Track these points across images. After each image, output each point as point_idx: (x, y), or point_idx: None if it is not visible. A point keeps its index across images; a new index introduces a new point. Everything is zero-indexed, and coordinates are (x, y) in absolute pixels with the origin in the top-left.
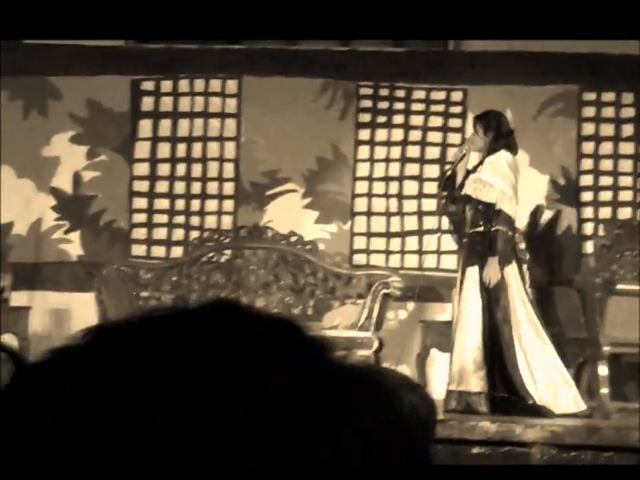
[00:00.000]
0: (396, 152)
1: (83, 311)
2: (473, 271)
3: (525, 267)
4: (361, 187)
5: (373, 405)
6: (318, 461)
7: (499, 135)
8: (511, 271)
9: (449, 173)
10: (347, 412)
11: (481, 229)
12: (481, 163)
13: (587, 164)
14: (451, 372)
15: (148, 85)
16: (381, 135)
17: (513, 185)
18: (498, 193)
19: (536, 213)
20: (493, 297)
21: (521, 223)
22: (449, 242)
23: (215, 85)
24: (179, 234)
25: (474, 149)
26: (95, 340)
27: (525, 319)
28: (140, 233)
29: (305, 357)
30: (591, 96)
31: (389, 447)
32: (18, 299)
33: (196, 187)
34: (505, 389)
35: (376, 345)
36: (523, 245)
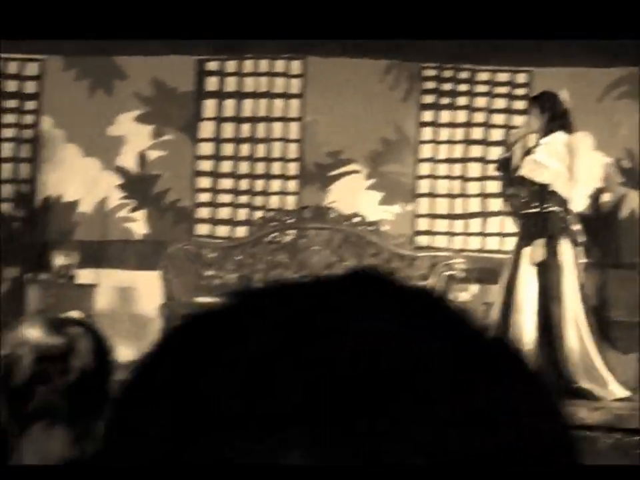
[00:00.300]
0: (459, 134)
1: (148, 289)
2: (527, 252)
3: (580, 248)
4: (424, 168)
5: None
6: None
7: (554, 116)
8: (565, 251)
9: (506, 155)
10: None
11: (535, 209)
12: (536, 144)
13: None
14: None
15: (213, 65)
16: (445, 116)
17: (568, 166)
18: (552, 173)
19: (598, 195)
20: (546, 278)
21: (581, 204)
22: (511, 224)
23: (280, 65)
24: (242, 214)
25: (530, 131)
26: (242, 298)
27: (575, 300)
28: (204, 213)
29: (447, 329)
30: None
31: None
32: (84, 276)
33: (260, 167)
34: (553, 371)
35: None
36: (578, 227)
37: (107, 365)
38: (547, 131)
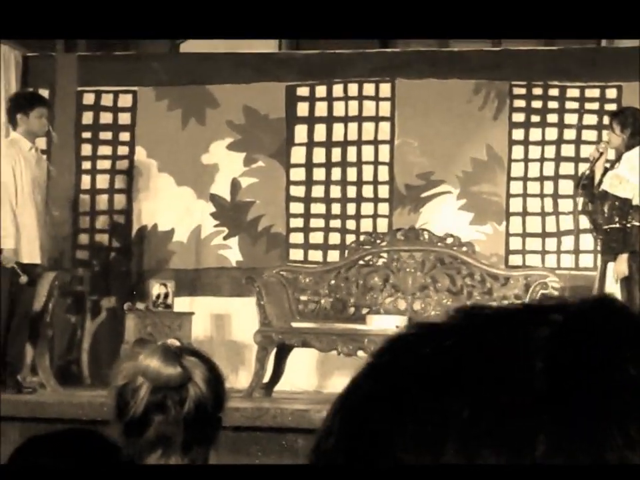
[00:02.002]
0: (550, 151)
1: (243, 315)
2: (610, 268)
3: None
4: (516, 187)
5: None
6: None
7: (635, 131)
8: None
9: (587, 172)
10: None
11: (617, 225)
12: (618, 159)
13: None
14: None
15: (303, 91)
16: (535, 134)
17: None
18: (634, 188)
19: None
20: (630, 293)
21: None
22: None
23: (369, 88)
24: (335, 238)
25: (611, 147)
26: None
27: None
28: (297, 238)
29: None
30: None
31: None
32: (180, 304)
33: (351, 191)
34: None
35: None
36: None
37: (220, 394)
38: (628, 146)
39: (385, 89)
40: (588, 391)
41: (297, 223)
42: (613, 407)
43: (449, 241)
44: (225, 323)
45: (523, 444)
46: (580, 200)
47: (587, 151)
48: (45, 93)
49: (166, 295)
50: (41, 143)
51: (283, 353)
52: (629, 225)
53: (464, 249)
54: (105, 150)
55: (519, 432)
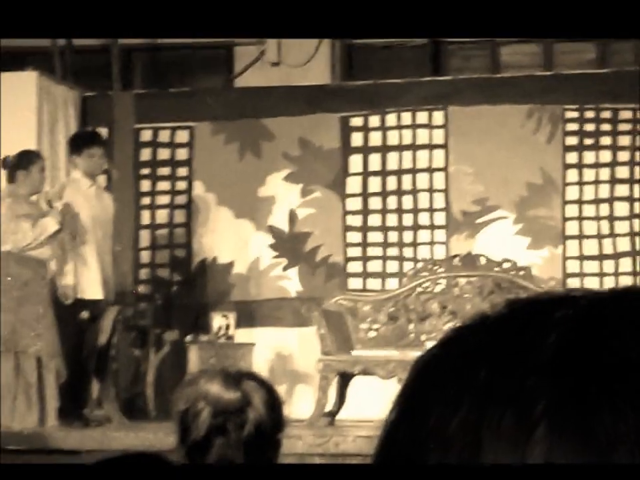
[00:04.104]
0: (605, 173)
1: (304, 345)
2: None
3: None
4: (571, 210)
5: None
6: None
7: None
8: None
9: None
10: None
11: None
12: None
13: None
14: None
15: (356, 121)
16: (589, 157)
17: None
18: None
19: None
20: None
21: None
22: None
23: (422, 117)
24: (393, 266)
25: None
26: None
27: None
28: (355, 267)
29: None
30: None
31: None
32: (242, 336)
33: (407, 219)
34: None
35: None
36: None
37: (279, 417)
38: None
39: (438, 117)
40: (589, 367)
41: (355, 252)
42: (609, 384)
43: (506, 265)
44: (286, 353)
45: (525, 401)
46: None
47: None
48: (103, 131)
49: (227, 327)
50: (101, 180)
51: (344, 381)
52: None
53: (521, 273)
54: (163, 185)
55: (523, 391)
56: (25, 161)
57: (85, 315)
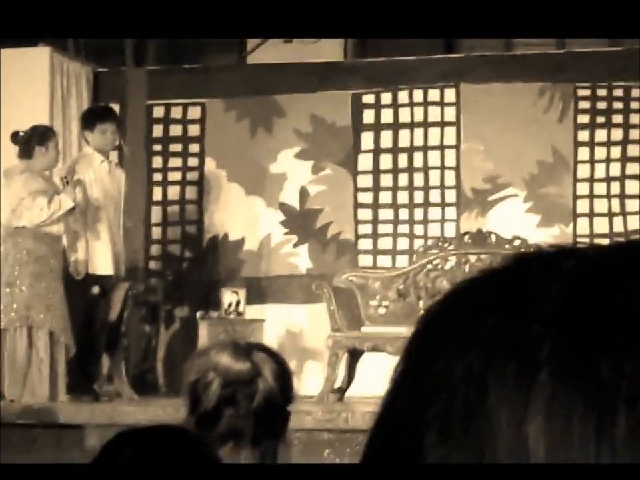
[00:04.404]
0: (616, 152)
1: (314, 322)
2: None
3: None
4: (582, 188)
5: None
6: None
7: None
8: None
9: None
10: None
11: None
12: None
13: None
14: None
15: (368, 98)
16: (601, 135)
17: None
18: None
19: None
20: None
21: None
22: None
23: (434, 94)
24: (403, 243)
25: None
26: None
27: None
28: (366, 244)
29: None
30: None
31: None
32: (252, 312)
33: (418, 196)
34: None
35: None
36: None
37: (289, 389)
38: None
39: (450, 94)
40: (593, 317)
41: (365, 229)
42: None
43: (516, 243)
44: (296, 329)
45: (529, 348)
46: None
47: None
48: (115, 107)
49: (238, 303)
50: (114, 156)
51: (354, 358)
52: None
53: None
54: (175, 162)
55: (527, 339)
56: (42, 137)
57: (95, 290)
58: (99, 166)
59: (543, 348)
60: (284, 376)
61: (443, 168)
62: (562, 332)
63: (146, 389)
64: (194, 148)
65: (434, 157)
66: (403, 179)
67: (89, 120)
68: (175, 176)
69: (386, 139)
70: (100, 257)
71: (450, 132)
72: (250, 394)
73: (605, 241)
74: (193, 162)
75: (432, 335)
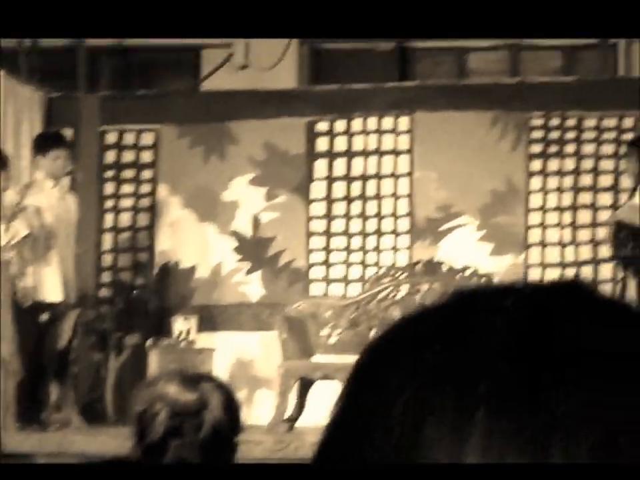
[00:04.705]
0: (568, 181)
1: (265, 350)
2: (629, 296)
3: None
4: (534, 217)
5: None
6: None
7: None
8: None
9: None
10: None
11: (633, 253)
12: (635, 188)
13: None
14: None
15: (322, 126)
16: (553, 165)
17: None
18: None
19: None
20: None
21: None
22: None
23: (388, 122)
24: (355, 271)
25: (628, 175)
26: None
27: None
28: (318, 272)
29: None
30: None
31: None
32: (203, 340)
33: (371, 225)
34: None
35: None
36: None
37: (237, 420)
38: None
39: (404, 123)
40: (534, 352)
41: (318, 257)
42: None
43: (468, 272)
44: (247, 358)
45: (467, 384)
46: (607, 229)
47: (604, 180)
48: (68, 133)
49: (188, 331)
50: (65, 182)
51: (305, 387)
52: None
53: (483, 280)
54: (127, 188)
55: (466, 373)
56: None
57: (44, 317)
58: (50, 192)
59: (480, 383)
60: (232, 407)
61: (396, 196)
62: (501, 368)
63: (95, 417)
64: (147, 174)
65: (387, 185)
66: (356, 207)
67: (41, 145)
68: (127, 202)
69: (339, 166)
70: (49, 283)
71: (403, 160)
72: (197, 425)
73: (556, 271)
74: (145, 188)
75: (371, 369)
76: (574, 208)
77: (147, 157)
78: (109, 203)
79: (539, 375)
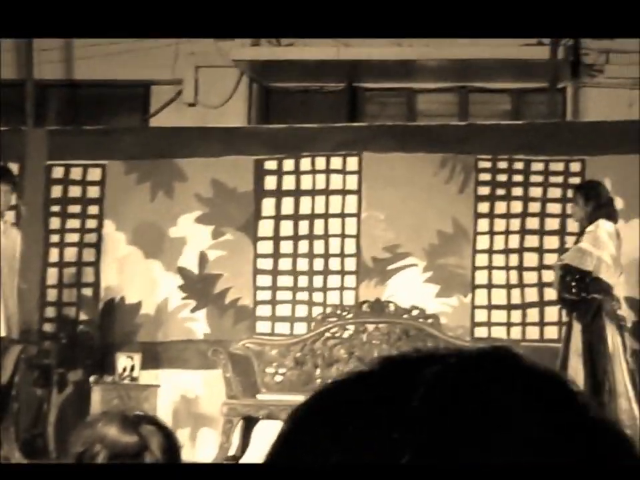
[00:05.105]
0: (515, 224)
1: (209, 388)
2: (574, 339)
3: (626, 334)
4: (481, 259)
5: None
6: None
7: (598, 204)
8: (611, 338)
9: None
10: None
11: (579, 297)
12: (581, 232)
13: None
14: None
15: (270, 165)
16: (500, 207)
17: (612, 254)
18: (595, 261)
19: None
20: (595, 365)
21: (627, 290)
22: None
23: (336, 162)
24: (302, 310)
25: (575, 220)
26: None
27: (624, 387)
28: (264, 310)
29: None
30: None
31: None
32: (147, 377)
33: (318, 264)
34: None
35: None
36: (623, 312)
37: (176, 463)
38: (591, 219)
39: (352, 163)
40: (451, 416)
41: (264, 295)
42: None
43: (415, 313)
44: (191, 395)
45: (391, 453)
46: (553, 273)
47: (551, 223)
48: (14, 166)
49: (132, 368)
50: (10, 216)
51: (249, 426)
52: (589, 298)
53: (429, 321)
54: (73, 223)
55: (390, 443)
56: None
57: None
58: None
59: (404, 452)
60: (172, 450)
61: (343, 236)
62: (423, 437)
63: (36, 454)
64: (93, 210)
65: (335, 225)
66: (303, 246)
67: None
68: (73, 237)
69: (287, 205)
70: None
71: (351, 200)
72: None
73: (503, 313)
74: (91, 224)
75: (298, 433)
76: (520, 250)
77: (93, 192)
78: (55, 238)
79: (457, 446)
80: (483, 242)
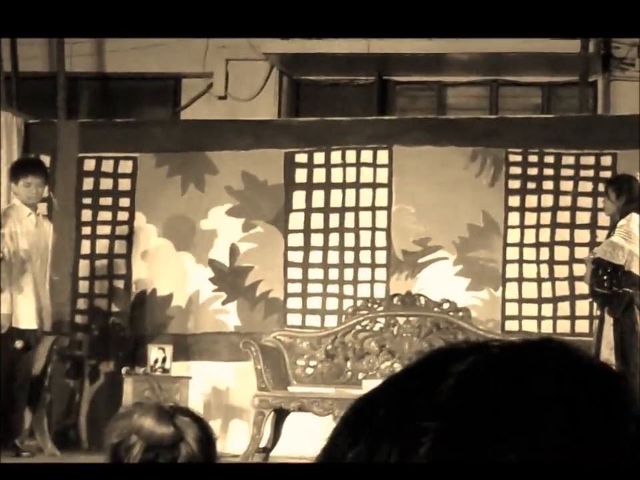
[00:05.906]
0: (546, 218)
1: (240, 380)
2: (606, 333)
3: None
4: (512, 253)
5: None
6: None
7: (630, 198)
8: None
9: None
10: None
11: (611, 291)
12: (613, 226)
13: None
14: None
15: (301, 158)
16: (531, 201)
17: None
18: (627, 255)
19: None
20: (627, 358)
21: None
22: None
23: (366, 155)
24: (332, 303)
25: (607, 214)
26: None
27: None
28: (295, 303)
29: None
30: None
31: None
32: (178, 369)
33: (349, 257)
34: None
35: None
36: None
37: (211, 454)
38: (622, 213)
39: (383, 156)
40: (478, 411)
41: (295, 288)
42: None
43: (445, 306)
44: (222, 387)
45: (412, 442)
46: (584, 266)
47: (582, 217)
48: (46, 159)
49: (164, 360)
50: (42, 208)
51: (280, 418)
52: (620, 291)
53: (460, 314)
54: (105, 215)
55: (412, 432)
56: None
57: (19, 344)
58: (26, 218)
59: (424, 442)
60: (207, 441)
61: (374, 229)
62: (445, 428)
63: (68, 444)
64: (124, 202)
65: (365, 218)
66: (334, 239)
67: (16, 172)
68: (104, 229)
69: (318, 198)
70: (24, 310)
71: (382, 193)
72: (172, 459)
73: (534, 307)
74: (122, 216)
75: (341, 424)
76: (551, 244)
77: (124, 184)
78: (86, 230)
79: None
80: (513, 235)
